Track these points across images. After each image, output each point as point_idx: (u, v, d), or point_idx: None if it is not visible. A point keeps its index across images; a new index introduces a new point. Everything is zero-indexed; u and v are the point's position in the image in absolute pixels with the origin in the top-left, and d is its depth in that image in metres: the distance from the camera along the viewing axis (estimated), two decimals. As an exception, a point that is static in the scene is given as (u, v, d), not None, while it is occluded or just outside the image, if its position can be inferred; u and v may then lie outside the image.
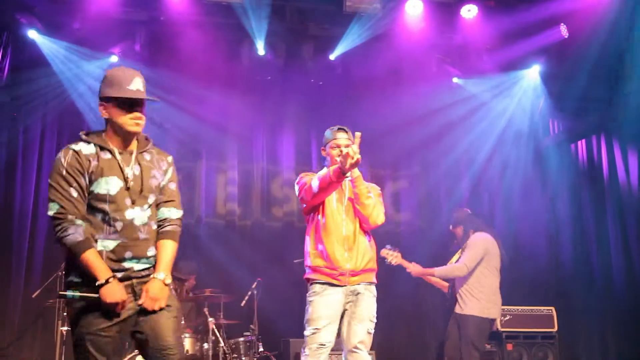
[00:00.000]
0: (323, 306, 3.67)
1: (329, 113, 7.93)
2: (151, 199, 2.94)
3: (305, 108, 8.00)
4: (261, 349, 6.18)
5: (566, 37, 7.07)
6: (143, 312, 2.79)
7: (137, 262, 2.85)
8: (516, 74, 7.97)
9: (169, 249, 2.97)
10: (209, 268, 7.14)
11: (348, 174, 3.71)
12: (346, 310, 3.73)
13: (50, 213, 2.77)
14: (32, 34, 6.77)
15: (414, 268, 5.53)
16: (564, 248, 7.97)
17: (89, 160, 2.85)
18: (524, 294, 6.88)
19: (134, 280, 2.83)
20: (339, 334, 3.74)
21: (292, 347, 6.30)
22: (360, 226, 3.84)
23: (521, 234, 7.96)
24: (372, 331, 3.75)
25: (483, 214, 7.96)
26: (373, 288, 3.82)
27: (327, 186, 3.64)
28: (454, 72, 7.91)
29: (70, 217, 2.76)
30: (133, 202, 2.87)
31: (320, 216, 3.81)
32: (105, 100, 2.90)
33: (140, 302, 2.79)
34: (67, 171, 2.81)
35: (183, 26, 6.94)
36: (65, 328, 5.40)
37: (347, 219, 3.81)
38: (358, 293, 3.73)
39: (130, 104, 2.88)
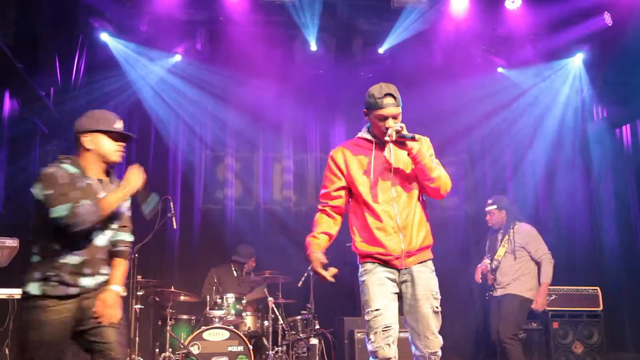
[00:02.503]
0: (377, 285, 3.23)
1: (377, 104, 7.96)
2: (115, 225, 3.20)
3: (355, 99, 7.98)
4: (317, 327, 6.29)
5: (610, 24, 6.90)
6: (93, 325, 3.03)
7: (92, 279, 3.07)
8: (560, 63, 7.84)
9: (123, 266, 3.25)
10: (268, 251, 7.30)
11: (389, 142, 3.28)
12: (403, 291, 3.29)
13: (64, 213, 2.94)
14: (104, 37, 7.03)
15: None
16: (608, 231, 7.81)
17: (75, 181, 3.08)
18: (569, 274, 6.78)
19: (84, 296, 3.04)
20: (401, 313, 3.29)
21: (346, 324, 6.42)
22: (417, 198, 3.36)
23: (566, 218, 7.85)
24: (439, 309, 3.27)
25: (527, 200, 7.90)
26: (430, 263, 3.36)
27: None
28: (499, 62, 7.83)
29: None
30: (101, 227, 3.11)
31: (361, 198, 3.32)
32: (91, 132, 3.16)
33: (95, 310, 3.03)
34: (65, 182, 3.03)
35: (240, 25, 7.09)
36: (139, 306, 5.64)
37: (397, 196, 3.29)
38: (412, 272, 3.27)
39: (117, 139, 3.20)
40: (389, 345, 3.20)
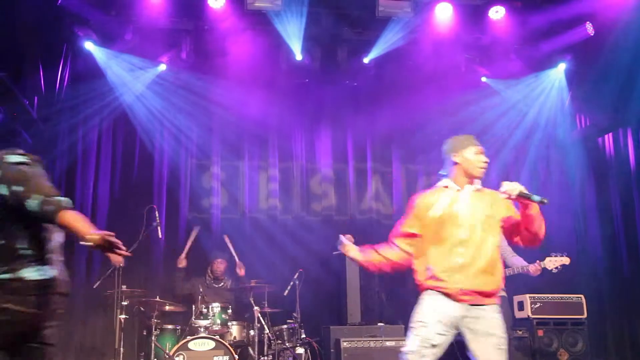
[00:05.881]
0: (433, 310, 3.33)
1: (363, 112, 8.00)
2: None
3: (340, 108, 8.06)
4: (303, 336, 6.25)
5: (592, 34, 6.97)
6: None
7: None
8: (543, 72, 7.89)
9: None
10: (254, 260, 7.25)
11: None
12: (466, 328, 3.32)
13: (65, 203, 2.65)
14: (89, 45, 6.97)
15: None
16: (591, 239, 7.87)
17: None
18: (554, 282, 6.77)
19: None
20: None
21: (332, 333, 6.37)
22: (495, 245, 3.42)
23: (549, 226, 7.83)
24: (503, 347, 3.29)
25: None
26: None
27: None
28: (483, 71, 7.87)
29: None
30: None
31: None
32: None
33: None
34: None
35: (225, 34, 7.09)
36: (123, 316, 5.56)
37: (483, 242, 3.37)
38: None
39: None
40: None
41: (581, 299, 6.82)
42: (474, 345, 3.29)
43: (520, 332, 6.59)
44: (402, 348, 3.38)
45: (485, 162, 3.49)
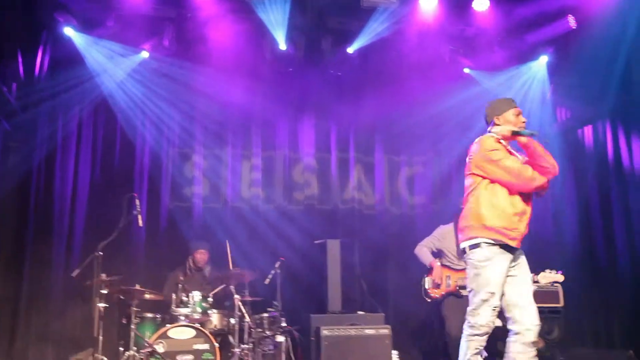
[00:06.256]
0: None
1: (347, 102, 7.99)
2: None
3: (324, 98, 8.03)
4: (284, 324, 6.27)
5: (574, 28, 7.01)
6: None
7: None
8: (525, 64, 7.92)
9: None
10: (235, 249, 7.22)
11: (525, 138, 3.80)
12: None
13: None
14: (69, 31, 6.87)
15: None
16: (569, 229, 7.95)
17: None
18: (531, 271, 6.86)
19: None
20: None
21: (313, 321, 6.39)
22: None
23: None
24: None
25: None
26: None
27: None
28: (466, 62, 7.88)
29: None
30: None
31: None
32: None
33: None
34: None
35: (209, 22, 7.03)
36: (103, 305, 5.52)
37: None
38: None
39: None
40: None
41: (558, 288, 6.89)
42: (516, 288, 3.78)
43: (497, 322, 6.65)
44: (471, 320, 3.75)
45: (524, 121, 3.90)
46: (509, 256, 3.80)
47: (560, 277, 5.56)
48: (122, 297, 5.91)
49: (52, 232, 6.85)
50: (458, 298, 5.89)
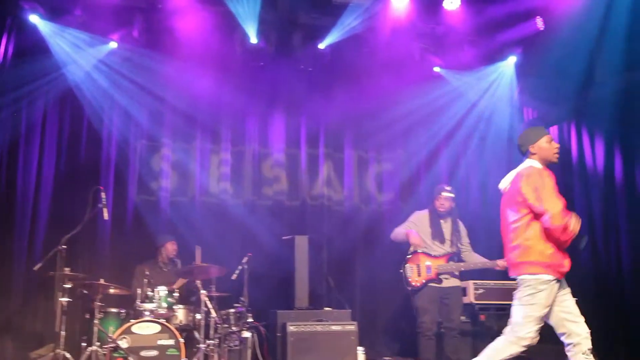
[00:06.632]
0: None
1: (317, 98, 7.96)
2: None
3: (295, 93, 7.99)
4: (250, 320, 6.22)
5: (542, 29, 7.09)
6: None
7: None
8: (494, 65, 8.00)
9: None
10: (202, 244, 7.13)
11: None
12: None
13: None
14: (34, 19, 6.70)
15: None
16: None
17: None
18: (498, 270, 6.94)
19: None
20: None
21: (280, 317, 6.37)
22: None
23: (496, 216, 8.01)
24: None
25: (460, 197, 8.05)
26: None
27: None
28: (436, 61, 7.93)
29: None
30: None
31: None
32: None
33: None
34: None
35: (179, 13, 6.93)
36: (65, 299, 5.41)
37: None
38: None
39: None
40: None
41: (522, 286, 6.98)
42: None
43: (463, 318, 6.73)
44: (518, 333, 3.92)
45: (558, 147, 4.05)
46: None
47: None
48: (85, 291, 5.80)
49: (14, 225, 6.66)
50: (437, 286, 5.90)
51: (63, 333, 5.32)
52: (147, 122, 7.60)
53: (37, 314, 6.57)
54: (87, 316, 5.75)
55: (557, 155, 4.05)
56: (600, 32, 6.81)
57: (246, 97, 7.86)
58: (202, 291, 5.97)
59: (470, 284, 6.74)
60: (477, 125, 8.30)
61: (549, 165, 4.11)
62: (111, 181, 7.25)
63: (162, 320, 5.69)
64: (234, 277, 6.40)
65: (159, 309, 5.84)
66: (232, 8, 6.87)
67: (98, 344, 5.43)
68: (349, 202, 8.19)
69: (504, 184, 4.22)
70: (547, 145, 4.05)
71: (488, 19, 7.31)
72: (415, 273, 5.96)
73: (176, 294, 6.07)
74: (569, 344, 3.92)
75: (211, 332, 5.93)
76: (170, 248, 6.77)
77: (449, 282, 5.98)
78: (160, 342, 5.55)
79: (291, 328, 6.04)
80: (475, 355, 4.09)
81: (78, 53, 7.05)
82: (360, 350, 6.23)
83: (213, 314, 5.98)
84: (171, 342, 5.57)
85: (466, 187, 8.33)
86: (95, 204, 5.68)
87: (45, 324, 6.34)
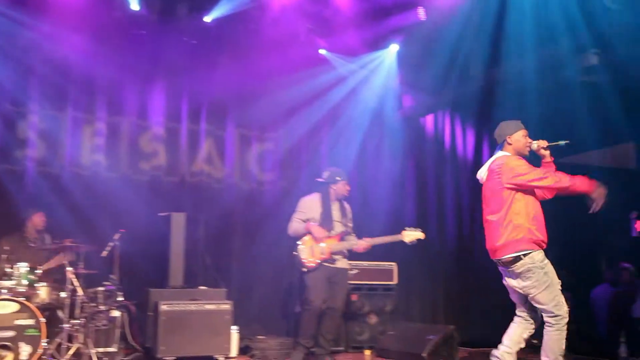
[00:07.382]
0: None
1: (201, 72, 7.71)
2: None
3: (177, 66, 7.68)
4: (120, 298, 5.96)
5: (423, 19, 7.29)
6: None
7: None
8: (377, 51, 8.15)
9: None
10: (71, 218, 6.74)
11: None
12: None
13: None
14: None
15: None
16: (407, 212, 8.39)
17: None
18: (371, 251, 7.14)
19: None
20: None
21: (152, 296, 6.17)
22: None
23: (372, 200, 8.26)
24: None
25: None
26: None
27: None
28: (322, 43, 7.94)
29: None
30: None
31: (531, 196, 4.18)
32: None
33: None
34: None
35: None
36: None
37: None
38: None
39: None
40: None
41: (393, 267, 7.28)
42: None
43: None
44: (558, 312, 4.01)
45: (531, 142, 4.29)
46: None
47: (421, 235, 5.83)
48: None
49: None
50: (330, 266, 5.89)
51: None
52: (13, 86, 6.95)
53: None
54: None
55: (528, 149, 4.29)
56: (475, 29, 7.13)
57: (125, 66, 7.41)
58: (68, 268, 5.62)
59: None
60: (359, 110, 8.44)
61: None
62: (-32, 148, 6.60)
63: (22, 299, 5.29)
64: (104, 254, 6.08)
65: (18, 287, 5.42)
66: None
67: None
68: (230, 180, 8.05)
69: (482, 173, 4.37)
70: (523, 139, 4.29)
71: (374, 4, 7.40)
72: (309, 254, 5.88)
73: (39, 271, 5.67)
74: (523, 316, 4.25)
75: (77, 311, 5.60)
76: (37, 220, 6.33)
77: (340, 264, 5.98)
78: (18, 322, 5.16)
79: (164, 307, 5.86)
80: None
81: None
82: (234, 329, 6.17)
83: (80, 292, 5.64)
84: (31, 321, 5.20)
85: (345, 170, 8.45)
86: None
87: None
